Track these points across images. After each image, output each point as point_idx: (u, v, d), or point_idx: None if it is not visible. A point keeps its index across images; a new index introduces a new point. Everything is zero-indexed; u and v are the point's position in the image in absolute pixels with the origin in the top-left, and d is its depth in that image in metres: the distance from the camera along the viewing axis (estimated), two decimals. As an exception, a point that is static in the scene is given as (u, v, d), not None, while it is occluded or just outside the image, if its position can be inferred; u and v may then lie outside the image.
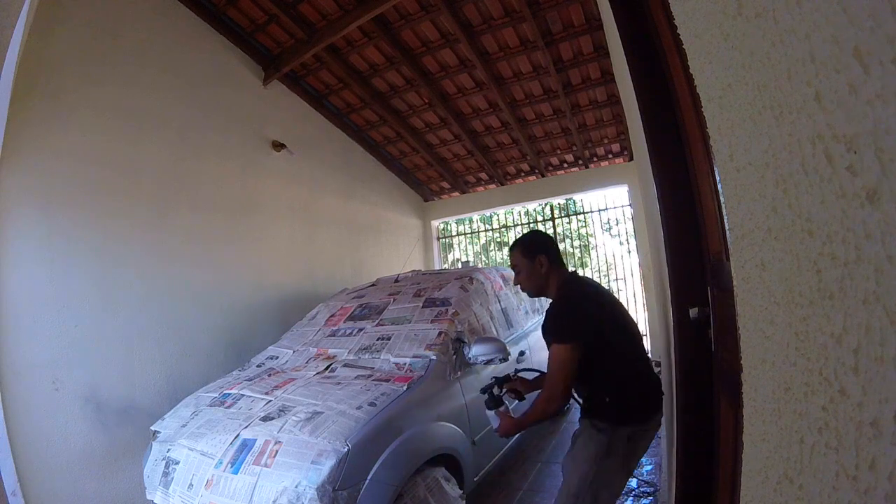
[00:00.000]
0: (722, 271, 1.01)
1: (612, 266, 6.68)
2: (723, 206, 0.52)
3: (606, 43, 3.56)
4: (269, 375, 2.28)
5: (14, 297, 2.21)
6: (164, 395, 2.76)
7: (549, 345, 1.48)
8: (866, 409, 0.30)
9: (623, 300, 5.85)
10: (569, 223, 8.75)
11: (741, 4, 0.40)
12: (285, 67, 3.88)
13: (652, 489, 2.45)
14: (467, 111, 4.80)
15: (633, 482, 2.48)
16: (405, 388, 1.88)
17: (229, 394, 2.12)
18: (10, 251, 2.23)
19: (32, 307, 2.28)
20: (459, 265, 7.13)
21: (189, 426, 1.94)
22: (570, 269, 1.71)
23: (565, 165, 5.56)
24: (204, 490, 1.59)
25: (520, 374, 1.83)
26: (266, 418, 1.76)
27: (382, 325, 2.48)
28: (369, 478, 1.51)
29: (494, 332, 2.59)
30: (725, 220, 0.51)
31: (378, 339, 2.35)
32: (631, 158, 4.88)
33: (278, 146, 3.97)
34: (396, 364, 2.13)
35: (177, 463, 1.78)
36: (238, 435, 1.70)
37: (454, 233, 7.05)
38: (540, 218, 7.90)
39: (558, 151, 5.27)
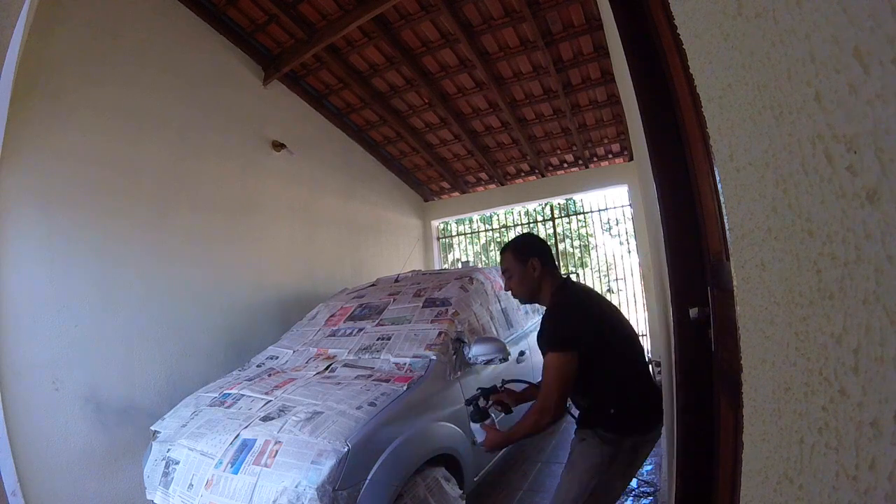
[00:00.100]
0: (722, 271, 1.01)
1: (612, 266, 6.68)
2: (723, 206, 0.52)
3: (606, 43, 3.56)
4: (269, 375, 2.28)
5: (14, 297, 2.21)
6: (164, 395, 2.76)
7: (544, 353, 1.42)
8: (866, 409, 0.30)
9: (623, 300, 5.89)
10: (569, 223, 8.76)
11: (741, 4, 0.40)
12: (285, 67, 3.88)
13: (652, 489, 2.45)
14: (467, 111, 4.80)
15: (633, 482, 2.48)
16: (405, 388, 1.88)
17: (229, 394, 2.12)
18: (10, 251, 2.23)
19: (32, 307, 2.28)
20: (459, 265, 7.13)
21: (189, 426, 1.94)
22: (564, 273, 1.65)
23: (565, 165, 5.56)
24: (204, 490, 1.59)
25: (507, 386, 1.74)
26: (266, 418, 1.76)
27: (382, 325, 2.48)
28: (369, 478, 1.52)
29: (494, 332, 2.59)
30: (725, 220, 0.51)
31: (378, 339, 2.35)
32: (631, 158, 4.88)
33: (278, 146, 3.97)
34: (396, 364, 2.13)
35: (177, 463, 1.78)
36: (238, 435, 1.70)
37: (454, 233, 7.05)
38: (540, 218, 7.90)
39: (558, 151, 5.27)
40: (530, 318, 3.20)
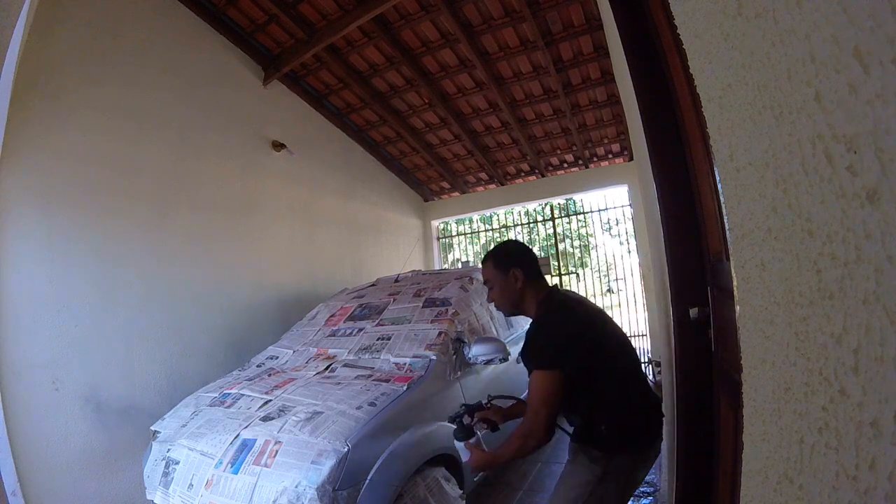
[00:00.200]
0: (722, 271, 1.02)
1: (612, 266, 6.68)
2: (723, 206, 0.52)
3: (606, 43, 3.56)
4: (269, 375, 2.28)
5: (14, 297, 2.21)
6: (164, 395, 2.76)
7: (529, 371, 1.31)
8: (866, 409, 0.30)
9: (623, 300, 5.89)
10: (569, 223, 8.76)
11: (741, 4, 0.40)
12: (285, 67, 3.88)
13: (652, 489, 2.45)
14: (467, 111, 4.80)
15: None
16: (405, 388, 1.88)
17: (229, 394, 2.12)
18: (10, 251, 2.23)
19: (32, 307, 2.28)
20: (459, 265, 7.13)
21: (189, 426, 1.94)
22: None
23: (565, 165, 5.56)
24: (204, 490, 1.59)
25: (494, 402, 1.60)
26: (266, 418, 1.76)
27: (382, 325, 2.48)
28: (369, 478, 1.52)
29: (494, 332, 2.59)
30: (725, 220, 0.51)
31: (378, 339, 2.35)
32: (631, 158, 4.88)
33: (278, 146, 3.97)
34: (396, 364, 2.13)
35: (177, 463, 1.78)
36: (238, 435, 1.70)
37: (454, 233, 7.05)
38: (540, 218, 7.90)
39: (558, 151, 5.27)
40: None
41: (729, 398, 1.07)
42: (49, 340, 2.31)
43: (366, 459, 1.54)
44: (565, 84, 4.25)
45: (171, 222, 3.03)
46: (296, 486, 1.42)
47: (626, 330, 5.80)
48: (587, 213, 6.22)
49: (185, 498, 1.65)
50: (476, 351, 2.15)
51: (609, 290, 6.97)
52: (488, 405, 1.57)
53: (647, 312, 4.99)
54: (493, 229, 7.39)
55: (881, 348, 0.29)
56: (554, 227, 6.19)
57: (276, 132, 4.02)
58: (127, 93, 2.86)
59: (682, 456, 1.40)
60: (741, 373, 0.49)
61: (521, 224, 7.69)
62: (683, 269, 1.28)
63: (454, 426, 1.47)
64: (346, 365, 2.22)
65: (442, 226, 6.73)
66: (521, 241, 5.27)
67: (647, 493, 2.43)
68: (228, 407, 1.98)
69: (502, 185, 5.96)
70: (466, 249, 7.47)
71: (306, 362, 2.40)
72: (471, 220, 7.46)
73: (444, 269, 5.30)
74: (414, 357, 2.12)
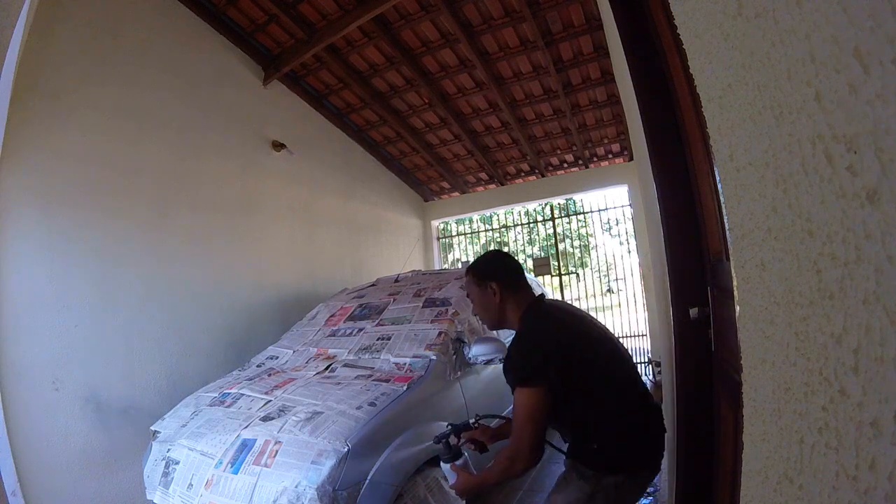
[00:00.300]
0: (722, 271, 1.02)
1: (612, 266, 6.68)
2: (723, 206, 0.52)
3: (606, 43, 3.56)
4: (269, 375, 2.28)
5: (14, 297, 2.21)
6: (164, 395, 2.76)
7: (512, 389, 1.23)
8: (866, 409, 0.30)
9: (623, 300, 5.89)
10: (569, 223, 8.76)
11: (741, 4, 0.40)
12: (285, 67, 3.88)
13: (652, 489, 2.45)
14: (467, 111, 4.80)
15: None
16: (405, 388, 1.88)
17: (229, 393, 2.12)
18: (10, 251, 2.23)
19: (32, 307, 2.28)
20: (459, 265, 7.13)
21: (189, 426, 1.94)
22: (540, 292, 1.43)
23: (565, 165, 5.56)
24: (204, 490, 1.59)
25: (482, 421, 1.52)
26: (266, 418, 1.76)
27: (382, 325, 2.48)
28: (369, 478, 1.51)
29: (494, 332, 2.59)
30: (725, 220, 0.51)
31: (378, 339, 2.35)
32: (631, 158, 4.88)
33: (278, 146, 3.97)
34: (396, 364, 2.13)
35: (177, 463, 1.78)
36: (238, 435, 1.70)
37: (454, 233, 7.05)
38: (540, 218, 7.90)
39: (558, 151, 5.27)
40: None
41: (729, 398, 1.07)
42: (49, 340, 2.31)
43: (366, 459, 1.54)
44: (565, 84, 4.25)
45: (171, 222, 3.03)
46: (296, 486, 1.42)
47: (625, 330, 5.76)
48: (587, 213, 6.22)
49: (184, 498, 1.65)
50: (476, 351, 2.15)
51: (609, 290, 6.97)
52: (476, 424, 1.48)
53: (647, 312, 4.99)
54: (493, 229, 7.40)
55: (881, 348, 0.29)
56: (554, 227, 6.19)
57: (276, 132, 4.02)
58: (127, 93, 2.86)
59: (682, 456, 1.40)
60: (741, 373, 0.49)
61: (521, 224, 7.69)
62: (683, 268, 1.28)
63: (440, 447, 1.40)
64: (346, 365, 2.22)
65: (442, 226, 6.74)
66: (518, 242, 5.22)
67: (648, 492, 2.43)
68: (228, 407, 1.98)
69: (502, 185, 5.96)
70: (466, 249, 7.47)
71: (306, 362, 2.40)
72: (471, 220, 7.47)
73: (444, 269, 5.30)
74: (414, 357, 2.12)
